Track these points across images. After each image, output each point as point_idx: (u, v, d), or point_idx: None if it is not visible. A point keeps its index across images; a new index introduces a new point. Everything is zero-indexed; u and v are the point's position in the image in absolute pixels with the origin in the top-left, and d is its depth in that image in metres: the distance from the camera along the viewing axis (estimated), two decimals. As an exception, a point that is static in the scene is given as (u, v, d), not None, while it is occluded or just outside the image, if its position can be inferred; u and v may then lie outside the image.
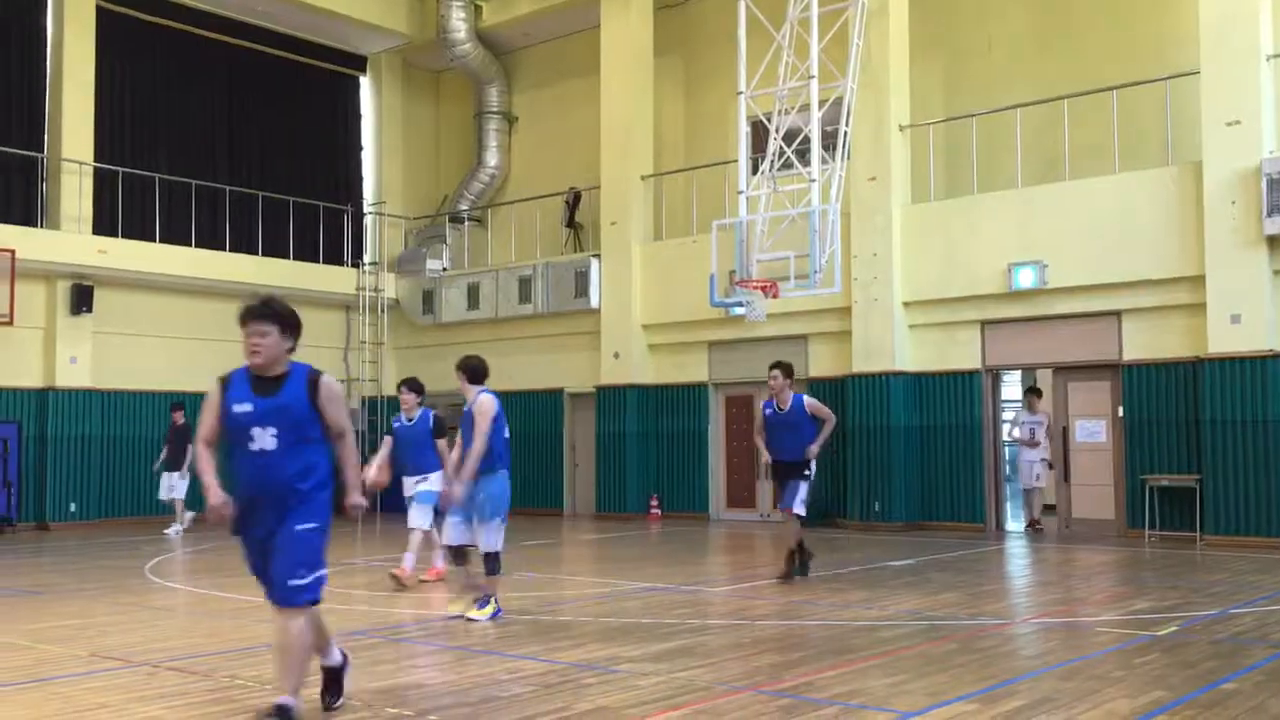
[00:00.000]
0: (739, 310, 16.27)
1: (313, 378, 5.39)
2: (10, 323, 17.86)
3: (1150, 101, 15.58)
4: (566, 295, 20.64)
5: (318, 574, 5.34)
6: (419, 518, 10.66)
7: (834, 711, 5.74)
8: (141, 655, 7.47)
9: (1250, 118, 14.13)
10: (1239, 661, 6.97)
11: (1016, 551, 14.29)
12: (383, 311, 23.04)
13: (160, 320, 20.17)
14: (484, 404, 8.68)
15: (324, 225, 22.63)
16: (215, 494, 5.31)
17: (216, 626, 8.81)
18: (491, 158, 23.29)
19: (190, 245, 20.27)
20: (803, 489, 10.71)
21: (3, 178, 18.92)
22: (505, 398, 22.44)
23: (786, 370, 10.87)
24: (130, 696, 6.24)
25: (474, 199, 23.36)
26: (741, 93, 16.11)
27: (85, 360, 19.19)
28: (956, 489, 16.72)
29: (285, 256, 21.67)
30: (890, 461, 16.93)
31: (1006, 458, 17.46)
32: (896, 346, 17.02)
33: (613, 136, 20.37)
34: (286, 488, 5.26)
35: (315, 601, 5.35)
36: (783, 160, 15.89)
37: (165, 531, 16.72)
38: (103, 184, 19.70)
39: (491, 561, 8.75)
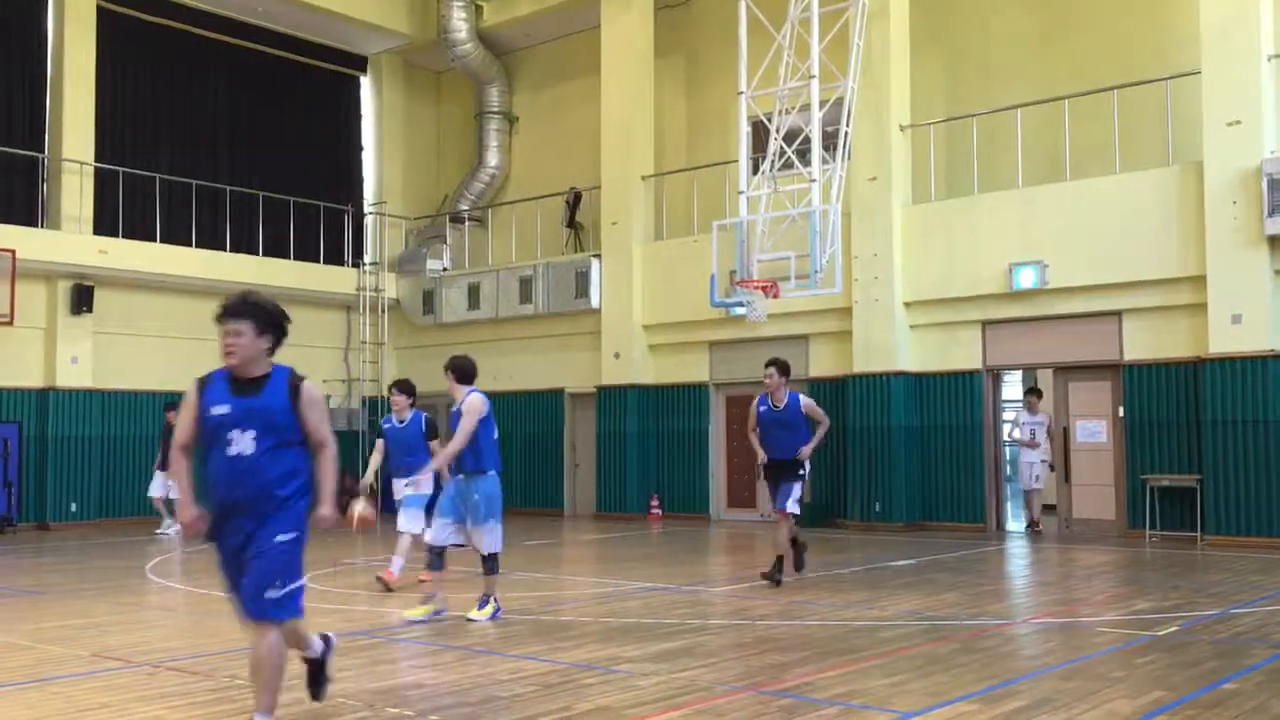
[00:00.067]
0: (740, 310, 16.27)
1: (294, 381, 5.17)
2: (11, 323, 17.86)
3: (1151, 101, 15.58)
4: (567, 295, 20.64)
5: (294, 585, 5.10)
6: (409, 521, 10.51)
7: (835, 712, 5.74)
8: (142, 655, 7.47)
9: (1251, 118, 14.13)
10: (1240, 662, 6.97)
11: (1017, 552, 14.29)
12: (383, 311, 23.04)
13: (161, 320, 20.17)
14: (473, 403, 8.66)
15: (325, 225, 22.64)
16: (187, 510, 5.14)
17: (217, 626, 8.80)
18: (492, 158, 23.30)
19: (191, 245, 20.28)
20: (796, 489, 10.60)
21: (4, 178, 18.92)
22: (506, 398, 22.56)
23: (782, 367, 10.75)
24: (131, 696, 6.25)
25: (474, 199, 23.36)
26: (742, 93, 16.12)
27: (86, 360, 19.20)
28: (957, 489, 16.72)
29: (286, 256, 21.68)
30: (891, 462, 16.93)
31: (1007, 458, 17.45)
32: (897, 347, 17.02)
33: (613, 136, 20.37)
34: (264, 493, 5.04)
35: (294, 616, 5.15)
36: (783, 160, 15.90)
37: (164, 532, 16.70)
38: (103, 184, 19.70)
39: (490, 562, 8.76)
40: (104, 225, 19.47)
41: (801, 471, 10.65)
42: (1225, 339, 14.26)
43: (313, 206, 22.47)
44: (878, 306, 17.09)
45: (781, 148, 15.81)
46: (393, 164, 24.12)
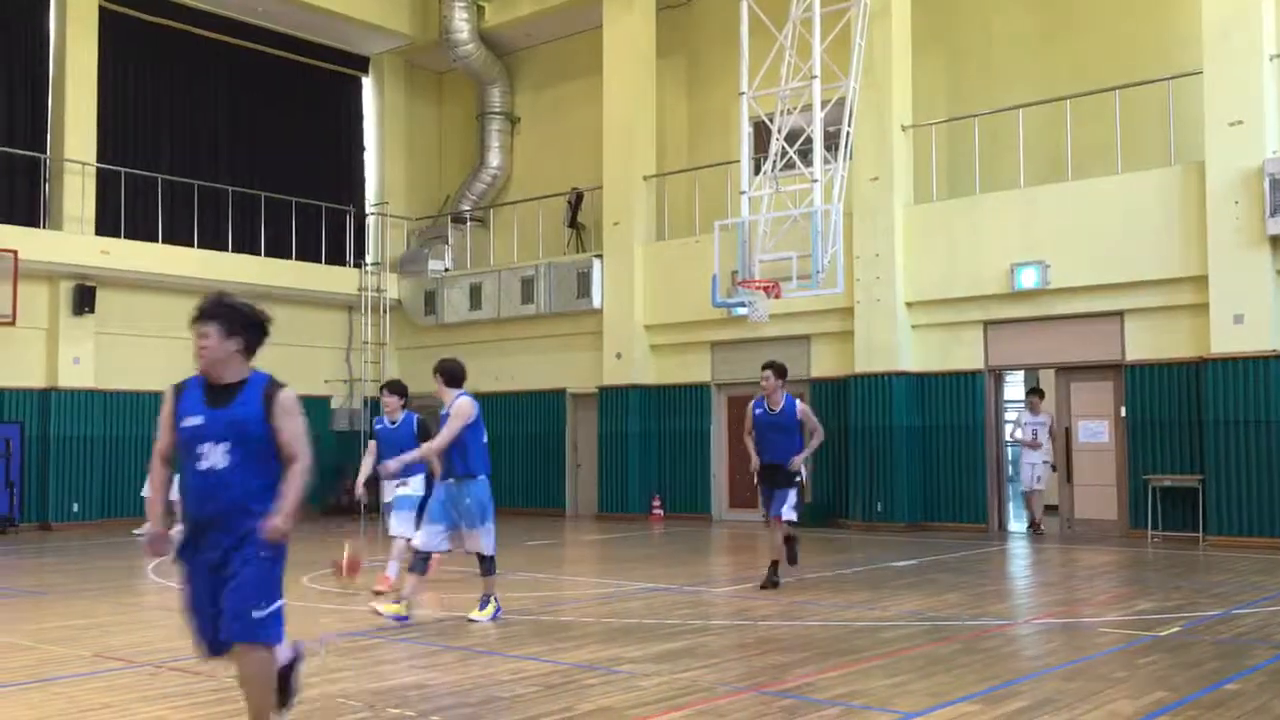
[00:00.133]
0: (741, 311, 16.27)
1: (270, 390, 4.82)
2: (13, 323, 17.88)
3: (1153, 101, 15.57)
4: (569, 296, 20.64)
5: (277, 605, 4.80)
6: (401, 525, 10.34)
7: (836, 712, 5.74)
8: (145, 655, 7.47)
9: (1253, 118, 14.11)
10: (1242, 662, 6.97)
11: (1019, 552, 14.29)
12: (385, 312, 23.04)
13: (163, 321, 20.15)
14: (461, 406, 8.57)
15: (326, 226, 22.65)
16: (150, 526, 4.92)
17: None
18: (494, 158, 23.31)
19: (193, 246, 20.29)
20: (792, 496, 10.37)
21: (6, 178, 18.94)
22: (508, 398, 22.56)
23: (778, 370, 10.56)
24: (134, 696, 6.25)
25: (476, 199, 23.37)
26: (744, 93, 16.12)
27: (88, 360, 19.21)
28: (959, 489, 16.71)
29: (288, 257, 21.69)
30: (893, 462, 16.92)
31: (1009, 458, 17.44)
32: (899, 347, 17.01)
33: (615, 137, 20.37)
34: (239, 508, 4.72)
35: (277, 642, 4.82)
36: (785, 160, 15.90)
37: (140, 532, 16.68)
38: (105, 184, 19.72)
39: (488, 563, 8.73)
40: (106, 226, 19.49)
41: (798, 478, 10.47)
42: (1227, 339, 14.25)
43: (314, 207, 22.48)
44: (879, 307, 17.09)
45: (783, 148, 15.81)
46: (394, 164, 24.14)
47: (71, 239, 18.88)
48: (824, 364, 18.06)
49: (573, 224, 21.77)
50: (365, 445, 9.62)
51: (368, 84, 24.26)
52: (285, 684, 5.14)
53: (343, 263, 22.85)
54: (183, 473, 4.83)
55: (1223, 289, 14.27)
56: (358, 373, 22.93)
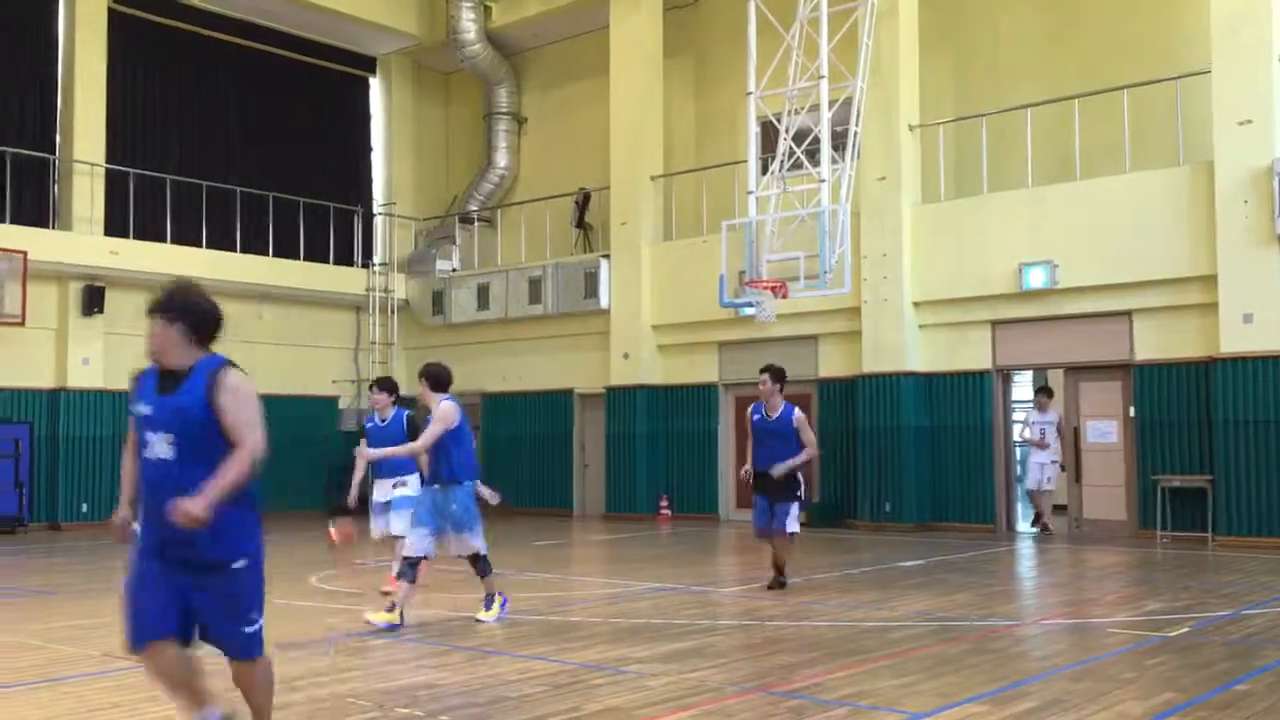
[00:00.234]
0: (749, 311, 16.26)
1: (214, 373, 4.50)
2: (22, 323, 17.94)
3: (1161, 100, 15.52)
4: (576, 296, 20.65)
5: (260, 617, 4.63)
6: (402, 525, 10.09)
7: (844, 712, 5.74)
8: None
9: (1262, 117, 14.07)
10: (1251, 663, 6.95)
11: (1027, 552, 14.26)
12: (392, 312, 23.07)
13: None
14: (444, 411, 8.46)
15: (334, 226, 22.69)
16: (118, 510, 4.71)
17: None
18: (501, 158, 23.32)
19: (201, 246, 20.33)
20: (795, 508, 10.18)
21: (15, 179, 18.99)
22: (515, 398, 22.57)
23: (776, 374, 10.34)
24: (142, 696, 6.26)
25: (484, 199, 23.39)
26: (751, 93, 16.11)
27: (97, 361, 19.26)
28: (967, 489, 16.68)
29: (295, 257, 21.72)
30: (901, 462, 16.90)
31: (1017, 458, 17.41)
32: (907, 347, 16.99)
33: (622, 137, 20.37)
34: None
35: (260, 653, 4.66)
36: (792, 160, 15.89)
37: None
38: (114, 185, 19.77)
39: (482, 564, 8.68)
40: (115, 226, 19.54)
41: (799, 492, 10.24)
42: (1236, 339, 14.21)
43: (322, 207, 22.52)
44: (887, 306, 17.07)
45: (790, 148, 15.79)
46: (402, 165, 24.17)
47: (80, 239, 18.94)
48: (831, 364, 18.05)
49: (580, 224, 21.77)
50: (359, 444, 9.51)
51: (375, 84, 24.30)
52: None
53: (350, 263, 22.89)
54: (140, 462, 4.61)
55: (1232, 288, 14.22)
56: (365, 373, 22.93)
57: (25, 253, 17.71)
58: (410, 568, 8.43)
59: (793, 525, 10.23)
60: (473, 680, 6.63)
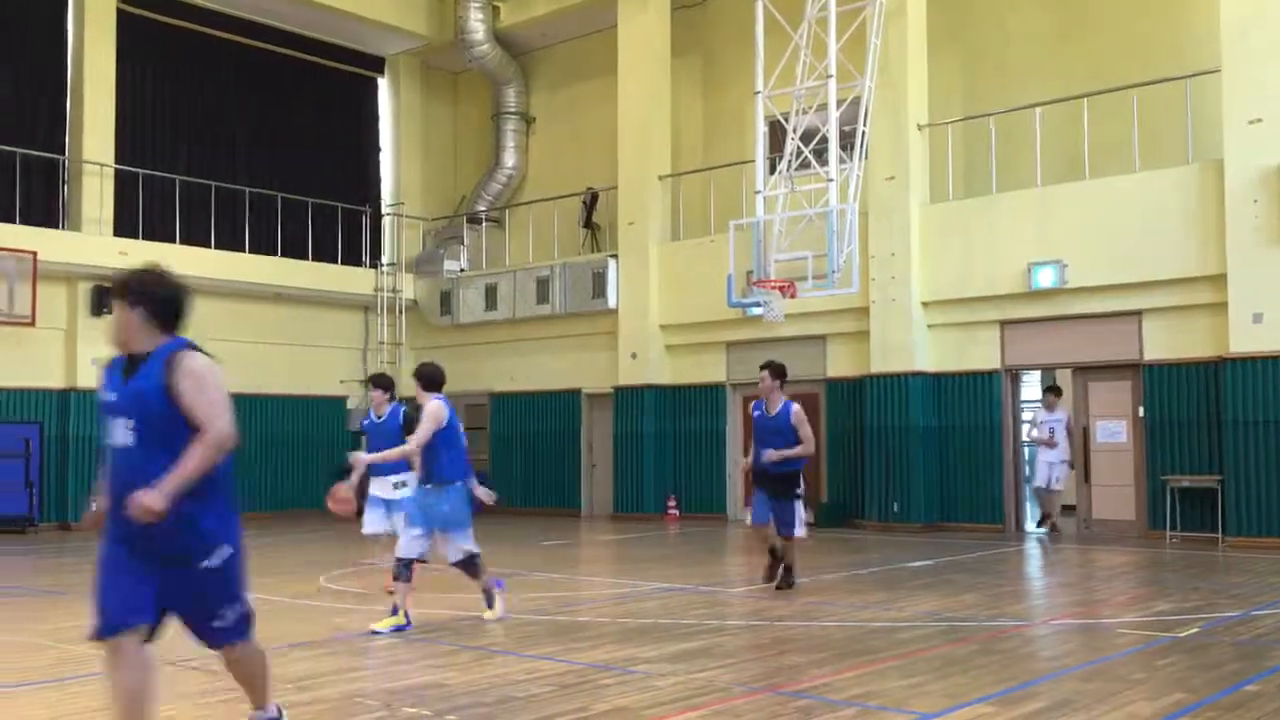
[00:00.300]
0: (757, 310, 16.25)
1: (172, 356, 4.33)
2: (32, 324, 18.00)
3: (1171, 100, 15.47)
4: (584, 296, 20.66)
5: (242, 605, 4.51)
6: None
7: (852, 713, 5.72)
8: (163, 654, 7.48)
9: (1272, 115, 14.01)
10: (1261, 663, 6.93)
11: (1036, 552, 14.23)
12: (401, 312, 23.10)
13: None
14: (432, 409, 8.41)
15: (342, 226, 22.72)
16: (96, 502, 4.54)
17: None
18: (509, 158, 23.34)
19: (210, 247, 20.38)
20: (798, 511, 10.14)
21: (25, 180, 19.04)
22: (523, 398, 22.58)
23: (776, 371, 10.26)
24: (150, 696, 6.26)
25: (492, 199, 23.40)
26: (759, 92, 16.10)
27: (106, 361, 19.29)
28: (976, 489, 16.65)
29: (304, 257, 21.77)
30: (909, 462, 16.87)
31: (1026, 458, 17.36)
32: (915, 346, 16.96)
33: (630, 136, 20.37)
34: None
35: (247, 637, 4.59)
36: (800, 160, 15.88)
37: None
38: (123, 186, 19.82)
39: (472, 565, 8.60)
40: (124, 227, 19.59)
41: (798, 490, 10.19)
42: (1246, 338, 14.16)
43: (331, 207, 22.55)
44: (895, 306, 17.04)
45: (798, 147, 15.78)
46: (410, 165, 24.20)
47: (90, 240, 18.99)
48: (839, 364, 18.03)
49: (588, 224, 21.78)
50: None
51: (383, 84, 24.33)
52: None
53: (359, 263, 22.92)
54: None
55: (1242, 288, 14.18)
56: (374, 373, 22.97)
57: (35, 253, 17.77)
58: (405, 568, 8.40)
59: (800, 530, 10.22)
60: (480, 680, 6.63)
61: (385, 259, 23.38)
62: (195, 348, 4.41)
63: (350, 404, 22.79)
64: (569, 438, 21.34)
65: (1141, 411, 15.39)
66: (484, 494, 8.79)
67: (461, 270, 22.85)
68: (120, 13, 19.96)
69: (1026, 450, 17.31)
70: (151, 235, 19.78)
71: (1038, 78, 17.02)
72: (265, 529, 17.73)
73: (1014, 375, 16.88)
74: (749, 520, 10.58)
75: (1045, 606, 9.93)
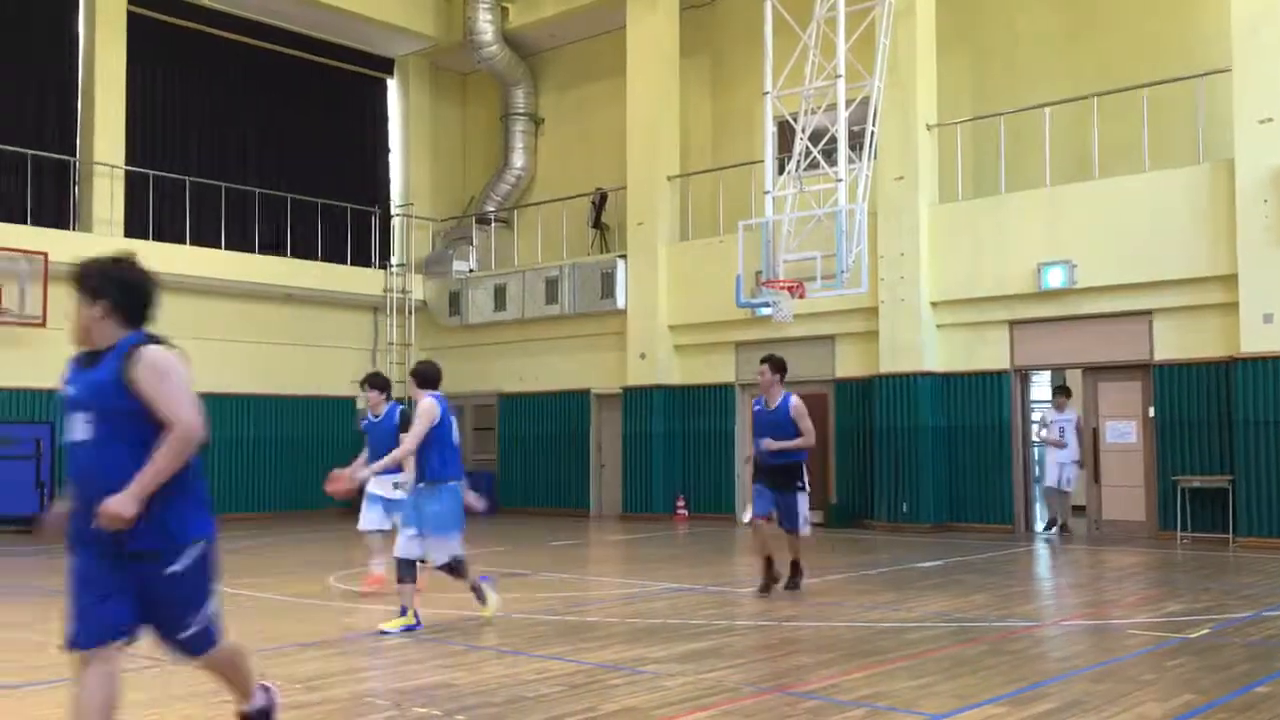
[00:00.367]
0: (765, 311, 16.24)
1: (131, 349, 4.09)
2: (43, 325, 18.06)
3: (1180, 99, 15.43)
4: (593, 296, 20.67)
5: (206, 614, 4.26)
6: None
7: (861, 713, 5.72)
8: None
9: (1283, 115, 13.97)
10: (1272, 664, 6.91)
11: (1045, 553, 14.19)
12: (410, 313, 23.13)
13: (191, 322, 20.26)
14: (424, 407, 8.36)
15: (352, 227, 22.77)
16: (57, 506, 4.34)
17: (247, 625, 8.85)
18: (518, 159, 23.36)
19: (220, 248, 20.43)
20: (802, 506, 10.08)
21: (36, 181, 19.12)
22: (532, 399, 22.57)
23: (775, 365, 10.19)
24: (162, 694, 6.29)
25: (500, 200, 23.43)
26: (768, 93, 16.09)
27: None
28: (985, 490, 16.62)
29: (314, 258, 21.82)
30: (918, 462, 16.85)
31: (1036, 458, 17.33)
32: (924, 347, 16.93)
33: (639, 137, 20.38)
34: (106, 496, 4.02)
35: (215, 644, 4.35)
36: (809, 160, 15.86)
37: None
38: (134, 187, 19.89)
39: (457, 568, 8.50)
40: (135, 228, 19.65)
41: (800, 483, 10.08)
42: (1257, 338, 14.11)
43: (340, 208, 22.60)
44: (904, 306, 17.02)
45: (807, 147, 15.77)
46: (419, 166, 24.24)
47: (101, 241, 19.00)
48: (848, 364, 18.01)
49: (597, 224, 21.78)
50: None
51: (393, 86, 24.37)
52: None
53: (368, 264, 22.97)
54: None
55: (1252, 288, 14.13)
56: (369, 373, 23.01)
57: (46, 254, 17.82)
58: (408, 569, 8.37)
59: (804, 528, 10.18)
60: (489, 680, 6.64)
61: (394, 259, 23.42)
62: (158, 340, 4.18)
63: (360, 404, 22.77)
64: (578, 438, 21.34)
65: (1152, 412, 15.34)
66: (473, 499, 8.66)
67: (470, 271, 22.88)
68: (130, 15, 20.02)
69: (1036, 451, 17.28)
70: (162, 236, 19.84)
71: (1047, 77, 16.98)
72: (274, 528, 17.78)
73: (1023, 375, 16.84)
74: (748, 515, 10.48)
75: (1055, 607, 9.91)
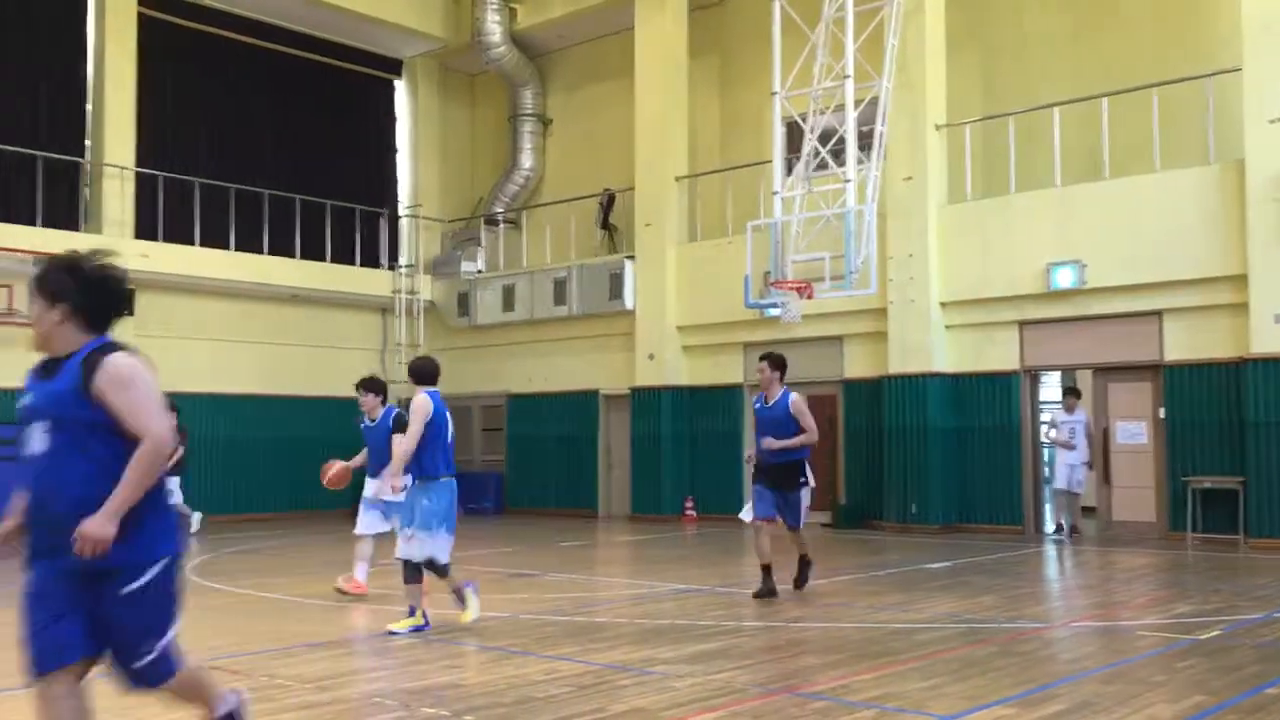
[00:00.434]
0: (774, 311, 16.22)
1: (92, 356, 3.84)
2: (53, 326, 18.11)
3: (1191, 99, 15.37)
4: (601, 297, 20.67)
5: (164, 641, 3.95)
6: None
7: (870, 715, 5.71)
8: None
9: (1294, 114, 13.92)
10: (1283, 666, 6.88)
11: (1055, 554, 14.16)
12: (419, 314, 23.16)
13: (201, 323, 20.40)
14: (418, 404, 8.35)
15: (361, 228, 22.81)
16: (10, 519, 4.00)
17: (255, 626, 8.88)
18: (526, 160, 23.38)
19: (230, 249, 20.48)
20: (805, 501, 10.06)
21: (46, 182, 19.17)
22: (540, 399, 22.57)
23: (774, 362, 10.15)
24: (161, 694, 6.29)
25: (509, 201, 23.45)
26: (776, 93, 16.07)
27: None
28: (994, 491, 16.58)
29: (323, 259, 21.87)
30: (927, 463, 16.81)
31: (1045, 459, 17.28)
32: (933, 347, 16.90)
33: (647, 138, 20.38)
34: (68, 517, 3.74)
35: (172, 674, 4.01)
36: (818, 161, 15.85)
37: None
38: (144, 188, 19.94)
39: (441, 571, 8.46)
40: (145, 229, 19.71)
41: (803, 479, 10.05)
42: (1268, 339, 14.06)
43: (349, 210, 22.64)
44: (913, 307, 16.99)
45: (816, 148, 15.76)
46: (428, 167, 24.27)
47: (111, 243, 18.98)
48: (857, 365, 17.98)
49: (605, 225, 21.79)
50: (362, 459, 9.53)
51: (401, 87, 24.41)
52: None
53: (377, 265, 23.01)
54: None
55: (1263, 288, 14.07)
56: (392, 375, 23.01)
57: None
58: (413, 570, 8.36)
59: (805, 519, 10.17)
60: (498, 680, 6.64)
61: (403, 260, 23.46)
62: (120, 347, 3.94)
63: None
64: (586, 439, 21.35)
65: (1162, 412, 15.29)
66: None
67: (479, 272, 22.90)
68: (141, 16, 20.08)
69: (1046, 452, 17.23)
70: (172, 238, 19.90)
71: (1056, 77, 16.94)
72: (283, 529, 17.81)
73: (1033, 376, 16.80)
74: (748, 515, 10.41)
75: (1065, 608, 9.88)
